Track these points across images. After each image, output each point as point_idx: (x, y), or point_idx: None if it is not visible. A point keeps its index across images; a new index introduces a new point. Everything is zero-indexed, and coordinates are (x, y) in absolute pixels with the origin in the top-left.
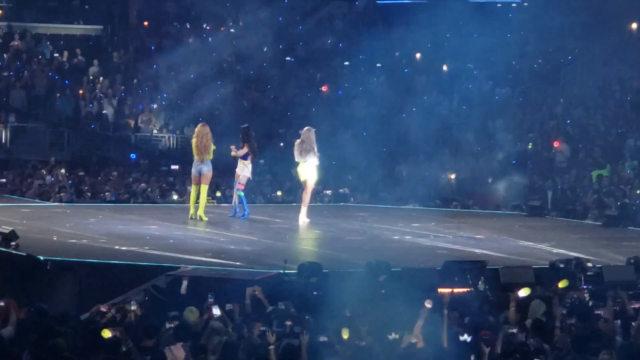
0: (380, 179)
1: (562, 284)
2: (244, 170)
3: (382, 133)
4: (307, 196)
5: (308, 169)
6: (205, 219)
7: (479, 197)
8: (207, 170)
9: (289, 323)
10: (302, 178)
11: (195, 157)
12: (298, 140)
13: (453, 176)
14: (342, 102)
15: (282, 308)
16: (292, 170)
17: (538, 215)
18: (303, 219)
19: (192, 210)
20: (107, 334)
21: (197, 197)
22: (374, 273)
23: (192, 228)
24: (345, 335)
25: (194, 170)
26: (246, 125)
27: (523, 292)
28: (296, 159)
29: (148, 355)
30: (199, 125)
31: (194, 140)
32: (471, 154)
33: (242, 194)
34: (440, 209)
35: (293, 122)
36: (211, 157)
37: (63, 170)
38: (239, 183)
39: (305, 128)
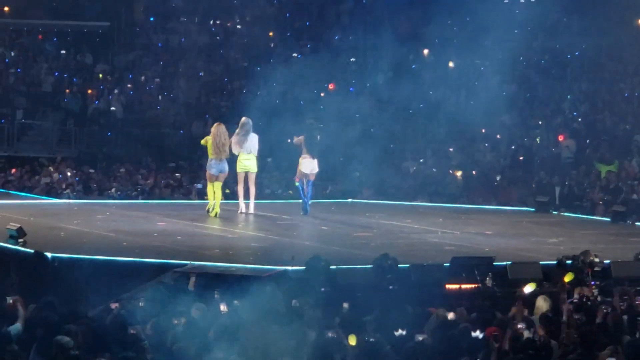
0: (387, 175)
1: (567, 278)
2: (299, 164)
3: (390, 129)
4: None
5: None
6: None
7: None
8: (227, 169)
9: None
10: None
11: (213, 156)
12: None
13: (459, 173)
14: (349, 99)
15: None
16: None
17: (546, 211)
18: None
19: (213, 208)
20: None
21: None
22: (381, 269)
23: (199, 224)
24: (352, 341)
25: (212, 170)
26: (311, 120)
27: (529, 288)
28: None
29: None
30: (215, 125)
31: (211, 140)
32: (478, 150)
33: (297, 183)
34: (447, 205)
35: (300, 118)
36: (228, 155)
37: (70, 168)
38: (296, 176)
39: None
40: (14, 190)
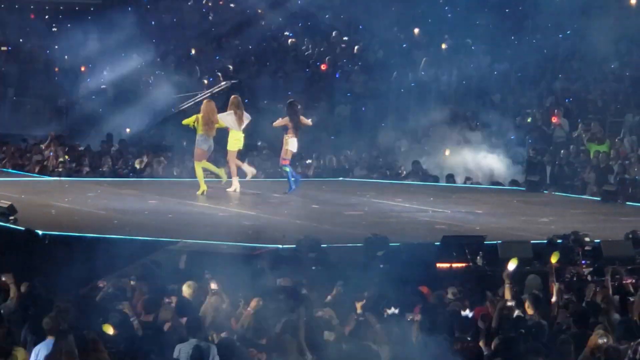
0: (378, 154)
1: (553, 258)
2: (286, 144)
3: (381, 108)
4: None
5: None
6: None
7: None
8: (212, 147)
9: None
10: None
11: (201, 133)
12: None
13: (447, 152)
14: (341, 77)
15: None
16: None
17: (536, 191)
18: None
19: (203, 187)
20: (108, 329)
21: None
22: (372, 248)
23: (190, 203)
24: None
25: (204, 146)
26: (292, 100)
27: (512, 265)
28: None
29: (149, 330)
30: (205, 101)
31: (199, 117)
32: (469, 128)
33: (287, 168)
34: (438, 184)
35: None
36: (215, 134)
37: (62, 145)
38: (283, 158)
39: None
40: (5, 167)
